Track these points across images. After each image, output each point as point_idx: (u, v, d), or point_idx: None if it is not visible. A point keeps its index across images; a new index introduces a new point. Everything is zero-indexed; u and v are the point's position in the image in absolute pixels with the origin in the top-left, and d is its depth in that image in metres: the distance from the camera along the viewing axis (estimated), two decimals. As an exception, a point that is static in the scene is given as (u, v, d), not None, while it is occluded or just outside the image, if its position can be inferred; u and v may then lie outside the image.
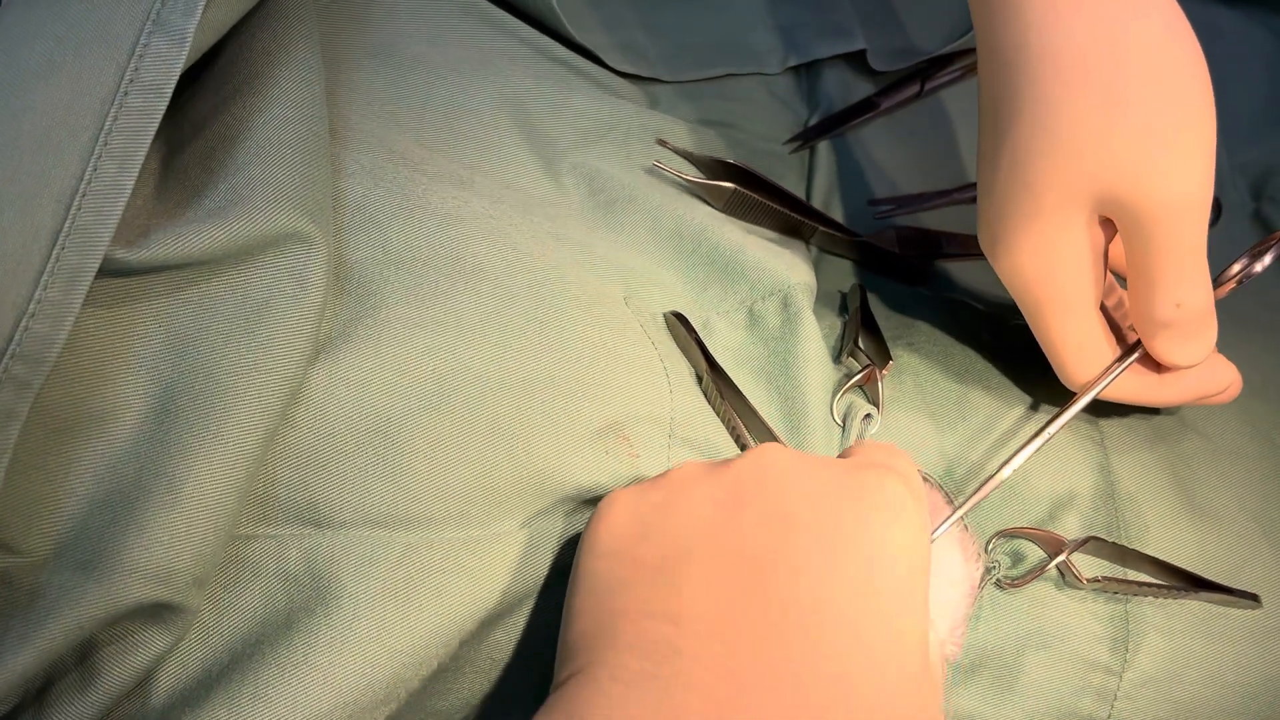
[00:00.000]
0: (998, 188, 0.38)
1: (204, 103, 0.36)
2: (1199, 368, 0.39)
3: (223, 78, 0.36)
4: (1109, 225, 0.38)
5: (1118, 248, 0.39)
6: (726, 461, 0.33)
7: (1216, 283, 0.38)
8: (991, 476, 0.38)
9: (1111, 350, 0.40)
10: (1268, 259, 0.39)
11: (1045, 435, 0.39)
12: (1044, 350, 0.40)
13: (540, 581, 0.35)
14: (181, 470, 0.29)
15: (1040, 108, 0.36)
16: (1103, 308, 0.41)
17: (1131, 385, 0.40)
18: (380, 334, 0.33)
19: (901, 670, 0.28)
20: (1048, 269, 0.38)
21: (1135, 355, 0.39)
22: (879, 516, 0.30)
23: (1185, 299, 0.36)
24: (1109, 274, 0.41)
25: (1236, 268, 0.40)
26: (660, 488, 0.32)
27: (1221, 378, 0.40)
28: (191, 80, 0.37)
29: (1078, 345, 0.39)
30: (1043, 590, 0.39)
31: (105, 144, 0.28)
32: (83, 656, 0.29)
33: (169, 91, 0.29)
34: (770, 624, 0.28)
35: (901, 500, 0.31)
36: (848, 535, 0.30)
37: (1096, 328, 0.39)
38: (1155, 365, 0.40)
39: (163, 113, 0.29)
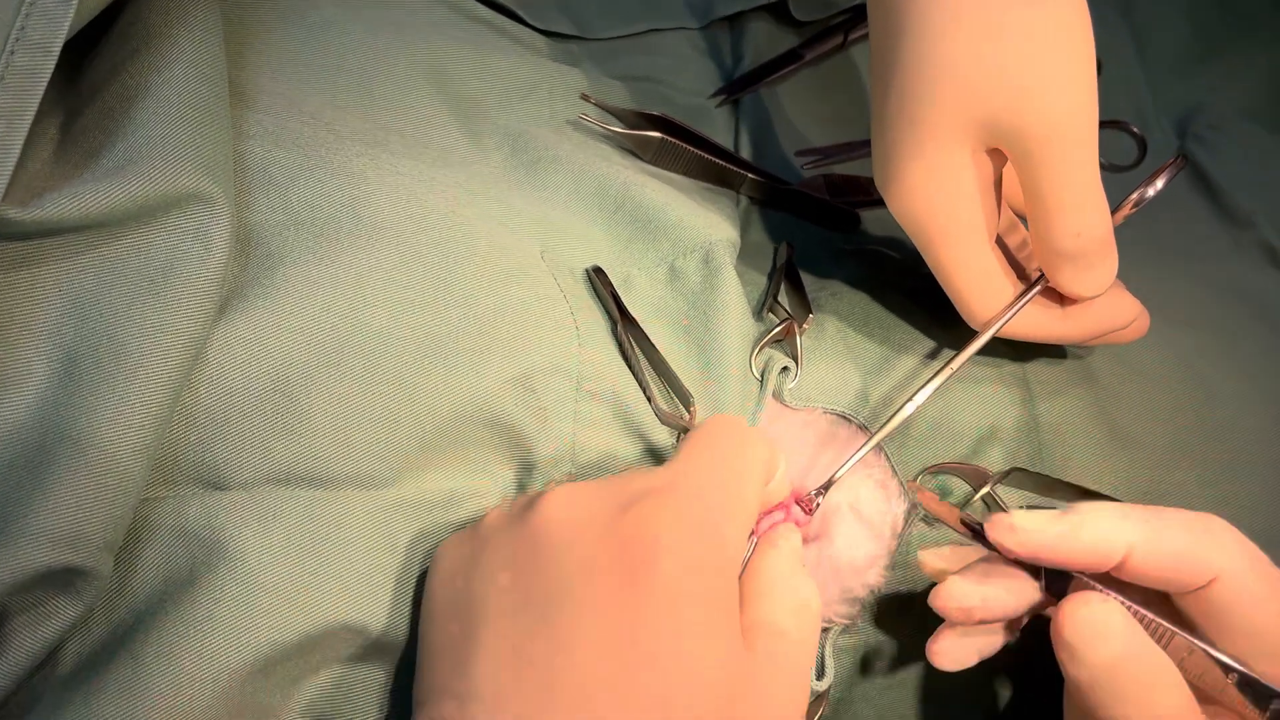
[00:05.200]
0: (886, 125, 0.38)
1: (102, 66, 0.35)
2: (1102, 301, 0.40)
3: (120, 40, 0.35)
4: (999, 156, 0.38)
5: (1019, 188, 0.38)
6: (531, 501, 0.32)
7: (1113, 210, 0.38)
8: (893, 415, 0.39)
9: (1012, 285, 0.40)
10: (1160, 183, 0.39)
11: (948, 371, 0.39)
12: (944, 288, 0.40)
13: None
14: (87, 433, 0.28)
15: (921, 41, 0.36)
16: (1005, 248, 0.41)
17: (1035, 320, 0.40)
18: (277, 293, 0.33)
19: (695, 665, 0.28)
20: (937, 200, 0.38)
21: (1037, 288, 0.39)
22: (651, 558, 0.29)
23: (1084, 227, 0.36)
24: (1010, 212, 0.42)
25: (1134, 195, 0.40)
26: (470, 540, 0.32)
27: (1126, 311, 0.41)
28: (90, 45, 0.36)
29: (974, 278, 0.39)
30: None
31: None
32: None
33: (56, 50, 0.29)
34: (551, 688, 0.27)
35: (672, 530, 0.29)
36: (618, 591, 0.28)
37: (992, 260, 0.39)
38: (1059, 299, 0.40)
39: (50, 71, 0.29)
